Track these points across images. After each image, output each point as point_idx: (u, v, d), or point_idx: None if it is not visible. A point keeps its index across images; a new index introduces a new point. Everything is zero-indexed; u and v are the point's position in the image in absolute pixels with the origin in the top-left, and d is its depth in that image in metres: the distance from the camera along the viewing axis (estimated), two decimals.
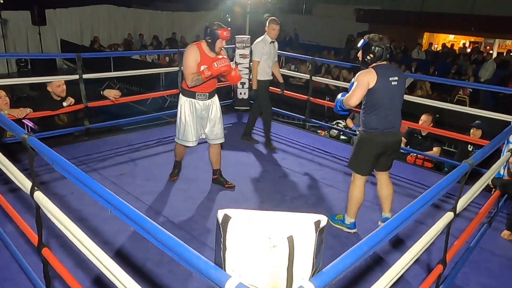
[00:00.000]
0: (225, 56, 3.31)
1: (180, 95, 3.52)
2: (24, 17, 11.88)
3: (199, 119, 3.51)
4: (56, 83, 4.18)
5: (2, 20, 10.71)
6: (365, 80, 2.78)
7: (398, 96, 2.89)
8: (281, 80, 4.99)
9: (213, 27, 3.28)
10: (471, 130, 4.39)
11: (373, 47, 2.81)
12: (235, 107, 5.91)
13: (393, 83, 2.81)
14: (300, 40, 15.71)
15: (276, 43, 4.75)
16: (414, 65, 10.91)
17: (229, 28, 3.31)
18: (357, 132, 5.37)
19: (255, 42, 4.71)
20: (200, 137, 3.62)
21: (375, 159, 3.00)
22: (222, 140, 3.64)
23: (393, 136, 2.94)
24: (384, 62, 2.86)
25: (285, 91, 5.18)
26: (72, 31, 13.47)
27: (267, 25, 4.65)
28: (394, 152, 3.05)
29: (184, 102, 3.46)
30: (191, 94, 3.43)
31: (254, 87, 4.72)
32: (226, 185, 3.72)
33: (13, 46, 12.02)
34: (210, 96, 3.51)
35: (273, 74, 4.89)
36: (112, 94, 4.32)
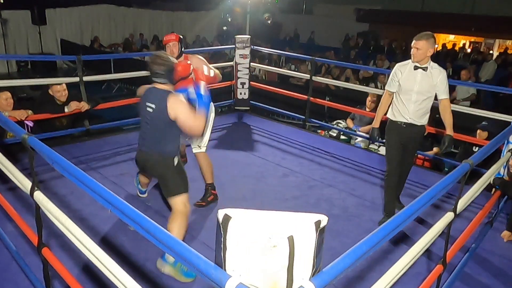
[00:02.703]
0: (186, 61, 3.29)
1: None
2: (24, 16, 11.87)
3: None
4: (57, 88, 4.10)
5: (2, 20, 10.69)
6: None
7: (154, 120, 2.63)
8: (448, 129, 3.12)
9: None
10: (477, 132, 4.33)
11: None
12: (235, 107, 5.92)
13: (148, 109, 2.61)
14: (301, 40, 15.70)
15: (432, 70, 3.04)
16: None
17: (172, 32, 3.40)
18: (357, 132, 5.38)
19: None
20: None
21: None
22: (194, 150, 3.43)
23: (142, 154, 2.77)
24: (155, 85, 2.61)
25: (285, 91, 5.06)
26: (72, 31, 13.45)
27: None
28: (157, 176, 2.84)
29: None
30: None
31: (374, 124, 3.40)
32: (197, 202, 3.48)
33: (13, 45, 12.01)
34: None
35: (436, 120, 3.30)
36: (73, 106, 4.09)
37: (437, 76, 3.03)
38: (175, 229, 2.61)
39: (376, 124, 3.37)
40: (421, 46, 2.98)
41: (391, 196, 3.28)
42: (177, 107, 2.54)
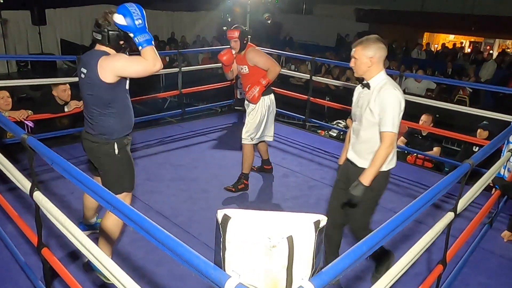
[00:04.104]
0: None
1: None
2: (24, 17, 11.88)
3: None
4: (62, 88, 4.16)
5: (2, 20, 10.69)
6: None
7: (86, 90, 2.19)
8: (366, 173, 2.18)
9: None
10: (478, 131, 4.34)
11: None
12: (235, 107, 5.92)
13: (81, 75, 2.19)
14: (300, 40, 15.69)
15: (378, 90, 2.18)
16: (416, 67, 10.84)
17: (233, 28, 3.54)
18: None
19: None
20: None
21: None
22: (242, 141, 3.67)
23: (83, 137, 2.39)
24: (96, 47, 2.20)
25: (285, 91, 5.01)
26: (72, 31, 13.46)
27: None
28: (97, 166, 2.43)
29: None
30: None
31: (339, 159, 2.62)
32: (227, 187, 3.73)
33: (13, 46, 12.01)
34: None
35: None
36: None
37: (382, 100, 2.13)
38: (109, 227, 2.25)
39: (340, 160, 2.56)
40: (357, 55, 2.18)
41: (328, 248, 2.50)
42: (109, 62, 2.06)
